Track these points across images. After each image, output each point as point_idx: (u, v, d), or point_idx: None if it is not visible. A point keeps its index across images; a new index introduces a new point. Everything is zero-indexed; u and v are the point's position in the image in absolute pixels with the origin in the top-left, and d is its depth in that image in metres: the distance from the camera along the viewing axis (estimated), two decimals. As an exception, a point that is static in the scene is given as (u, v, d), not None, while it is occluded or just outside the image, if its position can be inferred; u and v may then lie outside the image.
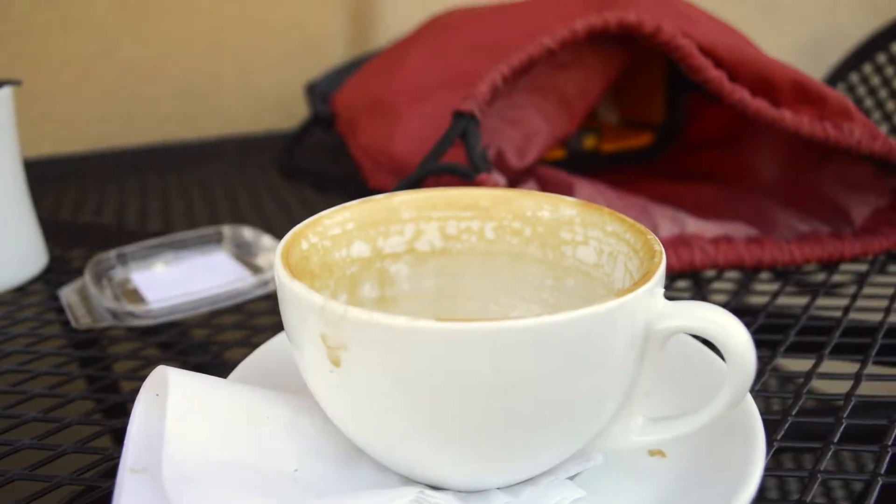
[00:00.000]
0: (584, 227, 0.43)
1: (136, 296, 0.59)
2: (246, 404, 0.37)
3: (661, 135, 0.91)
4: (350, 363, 0.32)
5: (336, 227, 0.42)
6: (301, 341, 0.34)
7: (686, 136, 0.91)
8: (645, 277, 0.34)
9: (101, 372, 0.52)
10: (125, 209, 0.85)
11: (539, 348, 0.30)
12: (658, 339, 0.34)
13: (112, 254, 0.64)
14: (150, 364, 0.52)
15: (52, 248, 0.71)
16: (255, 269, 0.63)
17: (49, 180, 0.95)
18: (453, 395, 0.31)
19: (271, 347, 0.44)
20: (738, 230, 0.66)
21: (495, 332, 0.29)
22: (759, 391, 0.47)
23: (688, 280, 0.62)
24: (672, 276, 0.62)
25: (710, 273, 0.63)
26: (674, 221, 0.65)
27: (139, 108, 1.16)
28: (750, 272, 0.63)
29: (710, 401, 0.35)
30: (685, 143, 0.90)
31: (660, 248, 0.36)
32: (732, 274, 0.63)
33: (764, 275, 0.62)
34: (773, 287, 0.60)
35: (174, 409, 0.34)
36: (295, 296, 0.33)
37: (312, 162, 1.01)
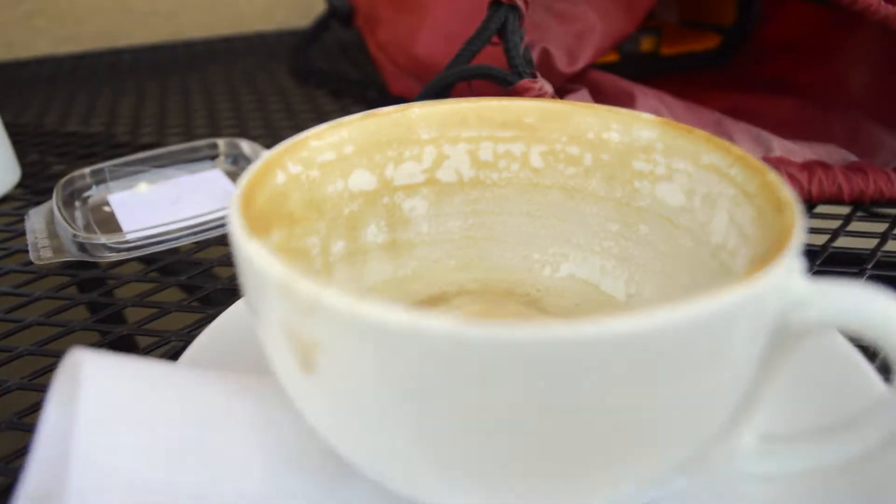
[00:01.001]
0: (667, 156, 0.30)
1: (110, 223, 0.48)
2: (194, 400, 0.26)
3: (730, 37, 0.76)
4: (328, 367, 0.20)
5: (328, 150, 0.30)
6: (263, 329, 0.22)
7: (758, 40, 0.76)
8: (778, 245, 0.21)
9: (57, 317, 0.41)
10: (117, 117, 0.73)
11: (614, 366, 0.18)
12: (793, 338, 0.22)
13: (87, 171, 0.53)
14: (115, 315, 0.41)
15: (32, 161, 0.60)
16: (252, 192, 0.52)
17: (38, 83, 0.83)
18: (477, 419, 0.19)
19: (240, 311, 0.33)
20: (833, 154, 0.52)
21: (551, 344, 0.18)
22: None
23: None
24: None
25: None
26: (756, 141, 0.52)
27: (140, 3, 1.02)
28: (848, 207, 0.50)
29: (866, 415, 0.23)
30: (757, 47, 0.75)
31: (790, 194, 0.24)
32: (822, 209, 0.50)
33: (861, 211, 0.49)
34: (879, 227, 0.47)
35: (86, 415, 0.23)
36: (250, 264, 0.21)
37: (329, 63, 0.88)
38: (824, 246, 0.45)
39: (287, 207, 0.27)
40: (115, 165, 0.53)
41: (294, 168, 0.28)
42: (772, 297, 0.21)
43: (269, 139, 0.64)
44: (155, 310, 0.41)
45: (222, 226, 0.47)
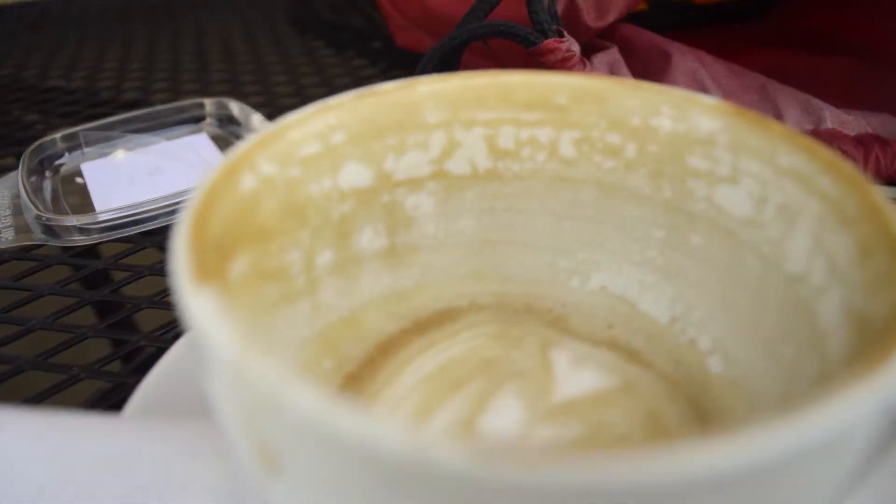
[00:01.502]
0: (733, 154, 0.24)
1: (82, 197, 0.43)
2: (141, 466, 0.20)
3: (771, -16, 0.68)
4: (296, 475, 0.15)
5: (313, 141, 0.24)
6: (217, 411, 0.17)
7: (801, -13, 0.68)
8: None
9: (13, 313, 0.36)
10: (101, 71, 0.66)
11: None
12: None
13: (58, 136, 0.46)
14: (82, 310, 0.36)
15: (9, 120, 0.54)
16: (240, 162, 0.45)
17: (21, 30, 0.76)
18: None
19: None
20: (888, 125, 0.46)
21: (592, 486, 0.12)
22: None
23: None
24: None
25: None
26: (805, 110, 0.45)
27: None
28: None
29: None
30: (801, -4, 0.67)
31: (912, 222, 0.18)
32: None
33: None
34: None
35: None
36: (196, 331, 0.15)
37: (333, 12, 0.80)
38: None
39: (257, 220, 0.21)
40: (90, 129, 0.47)
41: (267, 168, 0.22)
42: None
43: (264, 96, 0.57)
44: (126, 305, 0.35)
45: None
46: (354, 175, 0.25)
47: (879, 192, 0.20)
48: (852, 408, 0.14)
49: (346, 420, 0.13)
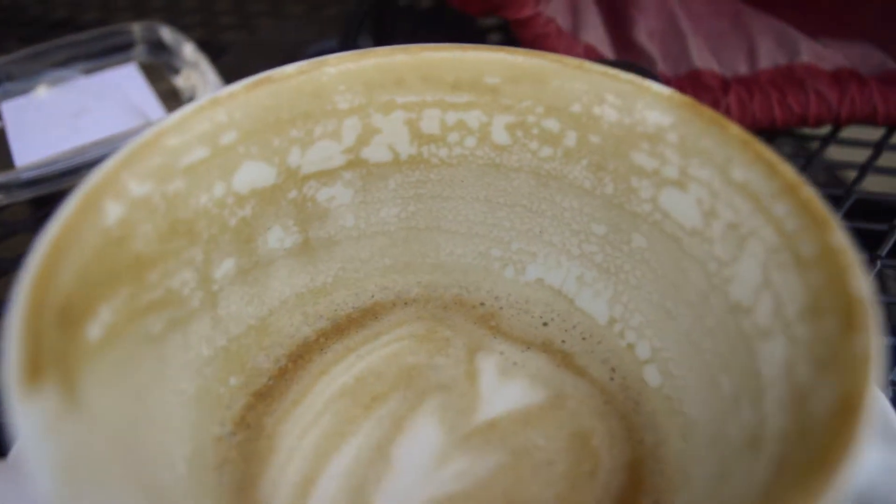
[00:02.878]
0: (683, 156, 0.20)
1: (1, 147, 0.38)
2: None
3: None
4: None
5: (198, 146, 0.20)
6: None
7: None
8: (850, 408, 0.13)
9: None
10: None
11: None
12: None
13: (-26, 67, 0.41)
14: None
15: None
16: (170, 96, 0.40)
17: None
18: None
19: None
20: (868, 58, 0.41)
21: None
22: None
23: (790, 139, 0.39)
24: (769, 134, 0.39)
25: (821, 129, 0.40)
26: (780, 42, 0.40)
27: None
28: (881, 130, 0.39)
29: None
30: None
31: (864, 288, 0.15)
32: (851, 133, 0.40)
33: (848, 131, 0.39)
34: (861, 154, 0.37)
35: None
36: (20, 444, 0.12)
37: None
38: (848, 190, 0.35)
39: (129, 252, 0.18)
40: (10, 62, 0.41)
41: (139, 189, 0.18)
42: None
43: (205, 29, 0.51)
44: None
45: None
46: (253, 175, 0.21)
47: (841, 233, 0.16)
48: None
49: None
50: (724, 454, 0.18)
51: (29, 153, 0.37)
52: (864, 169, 0.37)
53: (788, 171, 0.18)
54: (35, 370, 0.13)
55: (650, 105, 0.20)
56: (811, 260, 0.16)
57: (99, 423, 0.14)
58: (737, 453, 0.17)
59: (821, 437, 0.13)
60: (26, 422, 0.13)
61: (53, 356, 0.14)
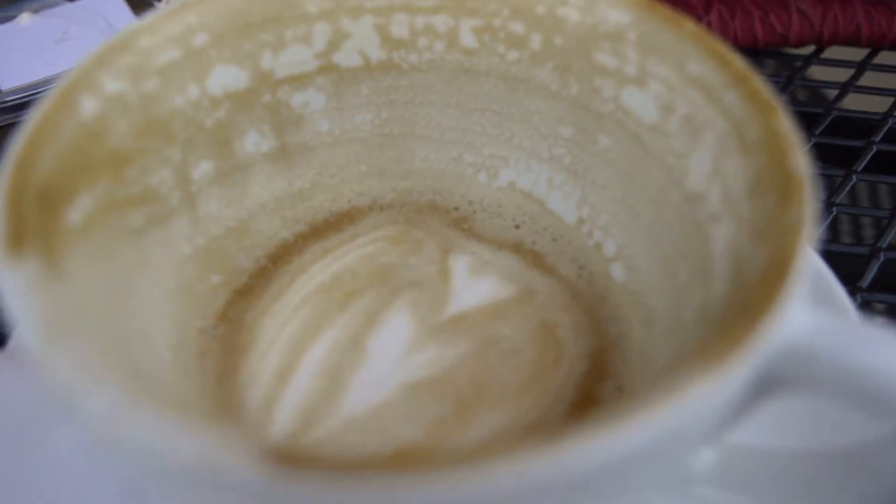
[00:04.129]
0: (641, 53, 0.21)
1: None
2: (23, 408, 0.19)
3: None
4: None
5: (170, 46, 0.20)
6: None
7: None
8: (777, 274, 0.14)
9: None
10: None
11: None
12: (779, 393, 0.15)
13: (-46, -9, 0.41)
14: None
15: None
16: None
17: None
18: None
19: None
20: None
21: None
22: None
23: (773, 59, 0.39)
24: (752, 53, 0.39)
25: (805, 49, 0.40)
26: (765, -46, 0.40)
27: None
28: (864, 50, 0.40)
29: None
30: None
31: (802, 163, 0.16)
32: (837, 52, 0.40)
33: (884, 56, 0.39)
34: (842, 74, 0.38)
35: None
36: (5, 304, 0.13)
37: None
38: (828, 108, 0.36)
39: (106, 146, 0.19)
40: (-11, -16, 0.42)
41: (114, 85, 0.19)
42: (761, 357, 0.14)
43: None
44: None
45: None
46: (226, 78, 0.22)
47: (786, 118, 0.17)
48: (696, 403, 0.12)
49: (134, 428, 0.12)
50: (678, 338, 0.20)
51: (12, 78, 0.37)
52: (845, 87, 0.38)
53: (740, 63, 0.18)
54: (17, 241, 0.14)
55: (610, 4, 0.21)
56: (756, 143, 0.17)
57: (78, 294, 0.15)
58: (689, 331, 0.19)
59: (753, 295, 0.14)
60: (10, 284, 0.14)
61: (34, 231, 0.15)
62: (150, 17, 0.20)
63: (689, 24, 0.20)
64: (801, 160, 0.16)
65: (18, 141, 0.16)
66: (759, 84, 0.18)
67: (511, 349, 0.22)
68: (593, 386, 0.21)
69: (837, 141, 0.35)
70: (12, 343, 0.22)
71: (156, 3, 0.42)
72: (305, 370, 0.21)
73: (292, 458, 0.12)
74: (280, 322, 0.22)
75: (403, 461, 0.11)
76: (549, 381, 0.21)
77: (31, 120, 0.17)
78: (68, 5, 0.42)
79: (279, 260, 0.24)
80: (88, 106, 0.18)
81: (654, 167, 0.21)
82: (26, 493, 0.19)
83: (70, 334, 0.13)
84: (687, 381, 0.12)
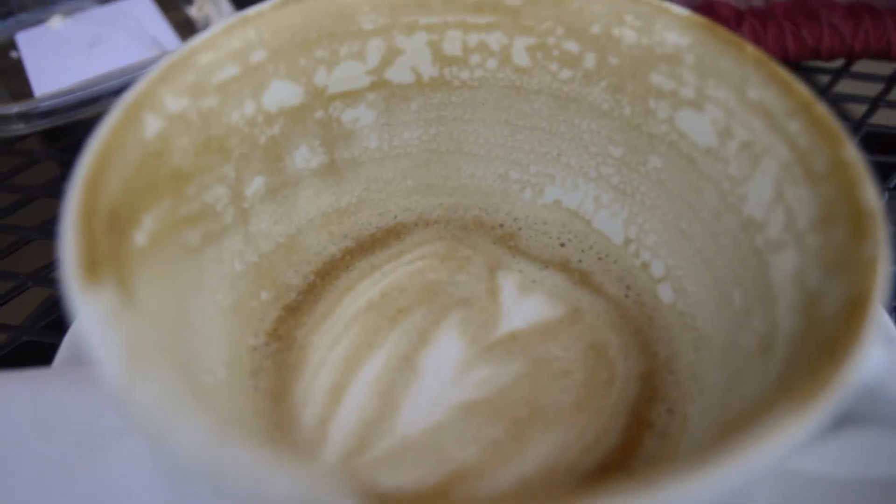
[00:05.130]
0: (700, 77, 0.20)
1: (17, 76, 0.38)
2: (75, 424, 0.19)
3: None
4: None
5: (229, 63, 0.20)
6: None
7: None
8: (859, 304, 0.14)
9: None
10: None
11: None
12: (843, 430, 0.15)
13: (-14, -6, 0.41)
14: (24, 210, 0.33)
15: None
16: (185, 26, 0.41)
17: None
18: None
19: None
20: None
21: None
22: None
23: (798, 73, 0.39)
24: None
25: (833, 63, 0.40)
26: (798, -31, 0.40)
27: None
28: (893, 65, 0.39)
29: None
30: None
31: (873, 197, 0.16)
32: (864, 67, 0.40)
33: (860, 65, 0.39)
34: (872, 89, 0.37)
35: None
36: (84, 339, 0.13)
37: None
38: (861, 121, 0.35)
39: (169, 165, 0.19)
40: (21, -11, 0.42)
41: (175, 104, 0.19)
42: (844, 396, 0.13)
43: None
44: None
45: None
46: (281, 94, 0.22)
47: (853, 148, 0.17)
48: (781, 443, 0.12)
49: (230, 466, 0.12)
50: (736, 362, 0.19)
51: (47, 83, 0.37)
52: (876, 102, 0.38)
53: (803, 89, 0.18)
54: (93, 268, 0.14)
55: (668, 26, 0.21)
56: (823, 173, 0.17)
57: (150, 318, 0.15)
58: (749, 359, 0.19)
59: (831, 332, 0.14)
60: (89, 314, 0.14)
61: (107, 256, 0.15)
62: (209, 32, 0.20)
63: (750, 48, 0.19)
64: (872, 193, 0.16)
65: (85, 162, 0.16)
66: (824, 112, 0.18)
67: (562, 369, 0.22)
68: (645, 408, 0.21)
69: (870, 157, 0.35)
70: (59, 359, 0.22)
71: (187, 7, 0.42)
72: (358, 389, 0.21)
73: (383, 499, 0.12)
74: (331, 340, 0.22)
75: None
76: (602, 403, 0.21)
77: (97, 140, 0.17)
78: (99, 8, 0.42)
79: (327, 276, 0.24)
80: (152, 124, 0.18)
81: (708, 191, 0.21)
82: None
83: (150, 366, 0.13)
84: (775, 422, 0.12)
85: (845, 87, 0.41)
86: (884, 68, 0.40)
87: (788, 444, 0.12)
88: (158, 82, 0.19)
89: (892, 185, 0.34)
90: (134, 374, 0.13)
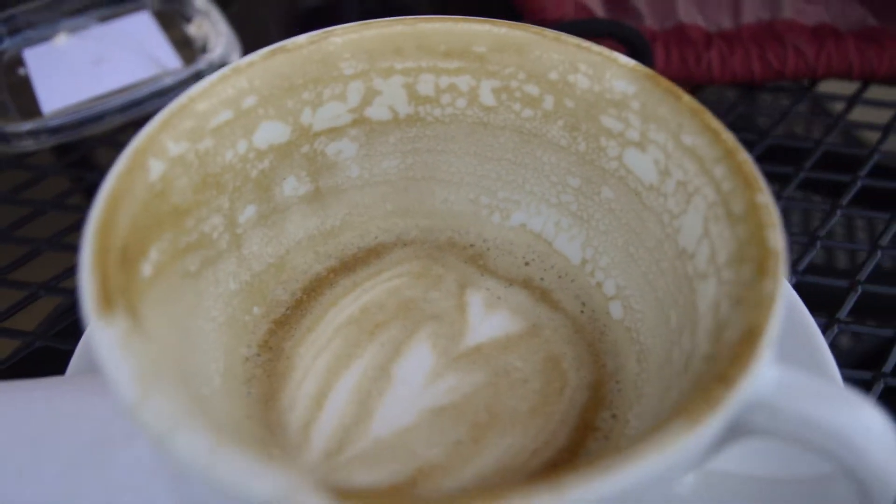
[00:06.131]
0: (643, 121, 0.23)
1: (25, 92, 0.41)
2: (89, 429, 0.22)
3: None
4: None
5: (223, 109, 0.23)
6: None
7: None
8: (753, 337, 0.16)
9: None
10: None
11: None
12: (741, 439, 0.18)
13: (-5, 15, 0.43)
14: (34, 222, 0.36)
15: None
16: (184, 45, 0.43)
17: None
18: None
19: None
20: (850, 14, 0.43)
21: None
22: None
23: (766, 94, 0.42)
24: (747, 87, 0.41)
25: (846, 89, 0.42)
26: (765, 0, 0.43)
27: None
28: (856, 84, 0.42)
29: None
30: None
31: (778, 241, 0.18)
32: (828, 86, 0.42)
33: (873, 90, 0.42)
34: (883, 116, 0.40)
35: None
36: (100, 362, 0.16)
37: None
38: (819, 142, 0.38)
39: (170, 203, 0.21)
40: (29, 11, 0.44)
41: (176, 148, 0.21)
42: (732, 413, 0.16)
43: None
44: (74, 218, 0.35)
45: (153, 97, 0.39)
46: (271, 133, 0.24)
47: (766, 193, 0.20)
48: (675, 453, 0.15)
49: (223, 468, 0.15)
50: (668, 375, 0.22)
51: (54, 100, 0.40)
52: (887, 129, 0.39)
53: (729, 138, 0.21)
54: (107, 301, 0.17)
55: (617, 75, 0.23)
56: (740, 215, 0.20)
57: (156, 340, 0.18)
58: (676, 374, 0.21)
59: (727, 359, 0.17)
60: (105, 341, 0.16)
61: (119, 289, 0.18)
62: (206, 81, 0.22)
63: (687, 98, 0.22)
64: (778, 236, 0.19)
65: (98, 205, 0.19)
66: (745, 158, 0.20)
67: (521, 379, 0.25)
68: (592, 413, 0.24)
69: (826, 174, 0.38)
70: (72, 366, 0.25)
71: (185, 26, 0.44)
72: (339, 396, 0.24)
73: (349, 496, 0.14)
74: (315, 351, 0.25)
75: (446, 501, 0.14)
76: (554, 409, 0.24)
77: (108, 183, 0.20)
78: (102, 26, 0.44)
79: (313, 292, 0.27)
80: (155, 168, 0.21)
81: (651, 221, 0.24)
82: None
83: (159, 385, 0.16)
84: (669, 435, 0.15)
85: (859, 114, 0.42)
86: (844, 87, 0.43)
87: (681, 453, 0.15)
88: (161, 129, 0.21)
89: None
90: (143, 392, 0.16)
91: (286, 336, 0.26)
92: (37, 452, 0.21)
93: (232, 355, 0.24)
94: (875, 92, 0.42)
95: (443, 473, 0.22)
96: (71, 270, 0.33)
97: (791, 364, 0.18)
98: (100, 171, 0.38)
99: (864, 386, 0.30)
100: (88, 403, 0.23)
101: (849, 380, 0.28)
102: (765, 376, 0.17)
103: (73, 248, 0.34)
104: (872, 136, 0.39)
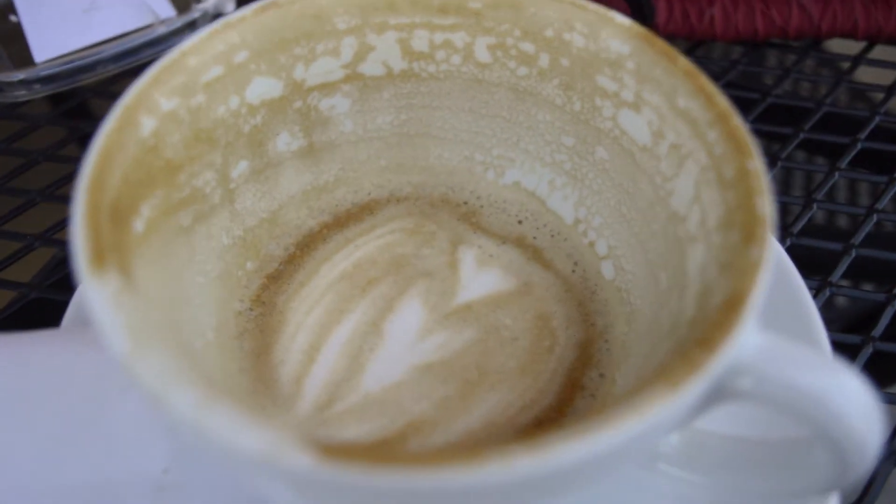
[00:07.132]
0: (638, 81, 0.23)
1: (17, 40, 0.40)
2: (81, 374, 0.22)
3: None
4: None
5: (214, 64, 0.23)
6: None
7: None
8: (737, 303, 0.17)
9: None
10: None
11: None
12: (724, 402, 0.18)
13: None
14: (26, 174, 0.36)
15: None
16: (179, -7, 0.42)
17: None
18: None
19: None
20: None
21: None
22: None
23: (772, 50, 0.41)
24: (751, 43, 0.41)
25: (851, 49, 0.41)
26: (771, -54, 0.42)
27: None
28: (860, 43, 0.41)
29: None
30: None
31: (766, 207, 0.18)
32: (831, 44, 0.41)
33: (878, 51, 0.41)
34: (890, 76, 0.39)
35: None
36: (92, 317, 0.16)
37: None
38: (820, 102, 0.38)
39: (162, 158, 0.21)
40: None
41: (168, 103, 0.21)
42: (714, 376, 0.17)
43: None
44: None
45: (147, 46, 0.39)
46: (263, 88, 0.24)
47: (758, 159, 0.20)
48: (658, 415, 0.16)
49: (211, 423, 0.15)
50: (655, 337, 0.22)
51: (46, 49, 0.39)
52: (890, 90, 0.39)
53: (723, 102, 0.21)
54: (99, 257, 0.17)
55: (612, 34, 0.23)
56: (731, 181, 0.20)
57: (148, 297, 0.18)
58: (663, 336, 0.22)
59: (710, 323, 0.17)
60: (98, 298, 0.17)
61: (111, 246, 0.18)
62: (197, 36, 0.22)
63: (682, 60, 0.22)
64: (767, 203, 0.19)
65: (88, 162, 0.19)
66: (738, 123, 0.20)
67: (510, 337, 0.25)
68: (580, 372, 0.24)
69: (826, 135, 0.37)
70: (67, 318, 0.25)
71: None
72: (330, 350, 0.24)
73: (334, 451, 0.15)
74: (308, 306, 0.25)
75: (426, 457, 0.15)
76: (543, 367, 0.24)
77: (98, 140, 0.20)
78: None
79: (306, 248, 0.27)
80: (147, 124, 0.21)
81: (644, 182, 0.24)
82: (84, 460, 0.22)
83: (150, 341, 0.16)
84: (650, 398, 0.16)
85: (864, 74, 0.42)
86: (849, 46, 0.42)
87: (660, 417, 0.16)
88: (152, 85, 0.21)
89: None
90: (136, 349, 0.16)
91: (279, 291, 0.26)
92: (32, 406, 0.22)
93: (225, 310, 0.24)
94: (881, 52, 0.41)
95: (431, 428, 0.23)
96: (66, 221, 0.33)
97: (776, 328, 0.18)
98: (94, 121, 0.37)
99: (854, 350, 0.30)
100: (82, 357, 0.23)
101: (838, 344, 0.29)
102: (747, 342, 0.17)
103: (67, 200, 0.34)
104: (879, 98, 0.39)
